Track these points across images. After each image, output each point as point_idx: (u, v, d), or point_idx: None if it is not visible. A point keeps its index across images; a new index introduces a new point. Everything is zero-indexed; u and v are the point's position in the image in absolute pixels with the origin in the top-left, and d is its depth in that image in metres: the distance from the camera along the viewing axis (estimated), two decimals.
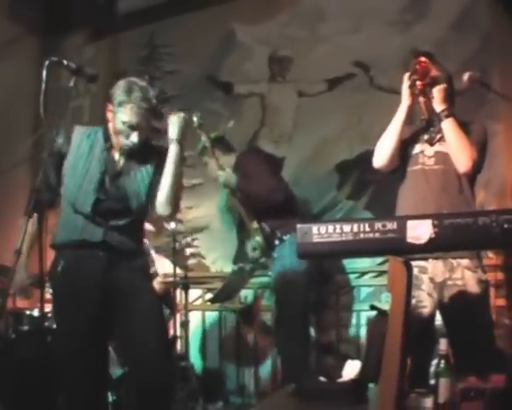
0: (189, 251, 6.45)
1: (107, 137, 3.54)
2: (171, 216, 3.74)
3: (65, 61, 3.33)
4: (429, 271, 3.56)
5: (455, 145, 3.56)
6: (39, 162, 3.17)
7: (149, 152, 3.59)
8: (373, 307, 3.61)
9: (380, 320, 3.45)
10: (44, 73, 3.26)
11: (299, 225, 2.55)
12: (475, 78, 3.55)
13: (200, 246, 6.44)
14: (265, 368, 5.98)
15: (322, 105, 6.10)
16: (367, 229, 2.49)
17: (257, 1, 6.61)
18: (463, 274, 3.52)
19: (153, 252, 5.78)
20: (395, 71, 5.48)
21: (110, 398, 3.93)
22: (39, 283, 3.23)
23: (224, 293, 5.62)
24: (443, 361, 2.70)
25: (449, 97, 3.64)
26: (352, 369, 3.34)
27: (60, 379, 3.50)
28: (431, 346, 3.60)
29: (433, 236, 2.42)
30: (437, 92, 3.60)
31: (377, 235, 2.47)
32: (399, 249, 2.50)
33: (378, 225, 2.48)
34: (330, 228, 2.51)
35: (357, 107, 5.90)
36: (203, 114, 6.52)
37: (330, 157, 5.73)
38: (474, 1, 5.61)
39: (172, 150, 3.50)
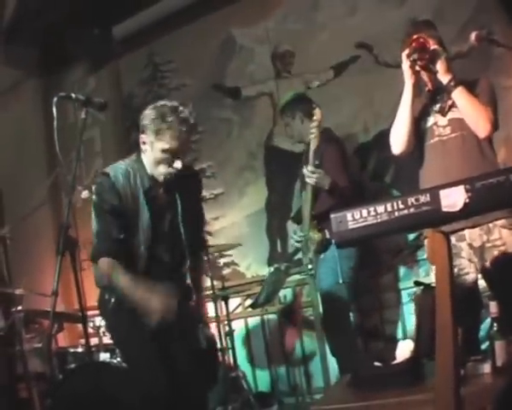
0: (222, 261, 6.43)
1: (145, 174, 3.47)
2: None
3: (73, 95, 3.33)
4: (467, 237, 3.53)
5: (470, 112, 3.53)
6: (60, 201, 3.21)
7: (186, 175, 3.54)
8: (417, 283, 3.57)
9: (426, 295, 3.42)
10: (54, 109, 3.27)
11: (332, 215, 2.51)
12: (482, 35, 3.51)
13: (232, 254, 6.40)
14: (315, 364, 5.94)
15: (331, 93, 6.06)
16: (400, 206, 2.45)
17: (250, 2, 6.57)
18: (501, 234, 3.48)
19: None
20: (398, 45, 5.42)
21: None
22: (82, 319, 3.24)
23: (264, 296, 5.59)
24: (495, 324, 2.67)
25: (451, 66, 3.60)
26: (404, 349, 3.30)
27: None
28: (478, 311, 3.57)
29: (468, 200, 2.38)
30: (440, 65, 3.56)
31: (412, 210, 2.44)
32: (436, 220, 2.46)
33: (411, 200, 2.44)
34: (364, 212, 2.48)
35: (367, 88, 5.86)
36: (214, 122, 6.58)
37: (348, 143, 5.67)
38: None
39: None
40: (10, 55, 7.46)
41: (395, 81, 5.42)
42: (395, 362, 3.15)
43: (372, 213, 2.47)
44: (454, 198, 2.39)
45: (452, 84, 3.54)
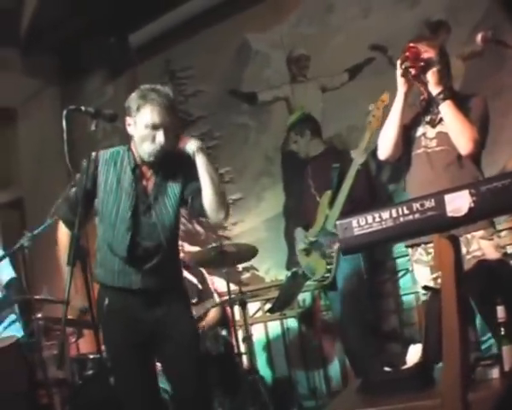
0: (240, 266, 6.44)
1: (133, 159, 3.51)
2: (226, 218, 3.63)
3: (83, 108, 3.36)
4: None
5: (454, 128, 3.49)
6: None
7: (176, 162, 3.54)
8: (426, 288, 3.56)
9: (434, 299, 3.40)
10: (64, 122, 3.29)
11: (338, 222, 2.53)
12: (488, 37, 3.47)
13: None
14: (334, 367, 5.96)
15: (347, 96, 6.06)
16: (405, 211, 2.45)
17: (264, 7, 6.59)
18: (480, 245, 3.45)
19: (204, 271, 5.81)
20: None
21: None
22: (93, 326, 3.28)
23: (282, 300, 5.61)
24: (502, 329, 2.66)
25: (444, 78, 3.56)
26: (415, 353, 3.29)
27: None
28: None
29: (473, 205, 2.37)
30: (431, 76, 3.52)
31: (417, 215, 2.44)
32: (441, 225, 2.46)
33: (416, 205, 2.44)
34: (369, 218, 2.48)
35: (382, 89, 5.84)
36: (231, 128, 6.60)
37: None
38: None
39: (200, 159, 3.47)
40: (30, 65, 7.55)
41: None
42: (404, 367, 3.15)
43: (377, 219, 2.48)
44: (459, 203, 2.39)
45: (441, 96, 3.51)
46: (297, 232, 5.37)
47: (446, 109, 3.51)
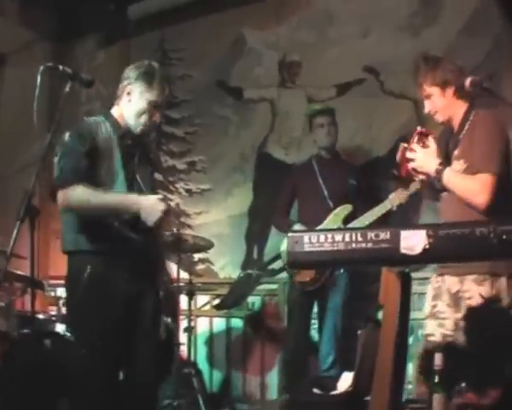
0: (197, 256, 6.41)
1: (117, 123, 3.51)
2: None
3: (60, 67, 3.33)
4: (446, 282, 3.49)
5: (461, 195, 3.41)
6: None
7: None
8: (369, 318, 3.55)
9: (373, 331, 3.39)
10: (39, 78, 3.27)
11: (289, 234, 2.51)
12: (476, 82, 3.44)
13: (208, 251, 6.36)
14: (272, 376, 5.95)
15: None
16: (359, 238, 2.43)
17: (266, 6, 6.56)
18: (470, 286, 3.43)
19: None
20: (405, 76, 5.42)
21: None
22: (31, 285, 3.24)
23: (231, 299, 5.60)
24: (437, 376, 2.65)
25: (431, 155, 3.49)
26: (347, 381, 3.28)
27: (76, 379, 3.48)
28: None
29: (428, 246, 2.36)
30: (417, 168, 3.52)
31: (370, 245, 2.42)
32: (392, 260, 2.44)
33: (371, 234, 2.42)
34: (322, 237, 2.46)
35: (368, 112, 5.87)
36: (212, 118, 6.56)
37: None
38: (484, 5, 5.53)
39: None
40: (27, 16, 7.46)
41: (396, 110, 5.46)
42: (334, 392, 3.13)
43: (329, 239, 2.46)
44: (414, 241, 2.38)
45: (435, 176, 3.46)
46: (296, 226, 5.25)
47: (447, 183, 3.44)
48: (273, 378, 5.92)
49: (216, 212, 6.57)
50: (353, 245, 2.43)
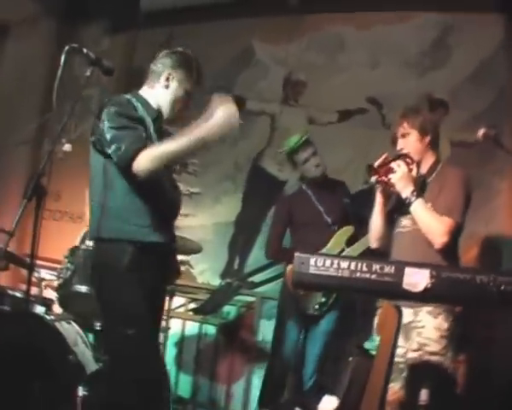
0: (179, 257, 6.39)
1: (149, 106, 3.45)
2: None
3: (85, 50, 3.33)
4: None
5: (425, 227, 3.60)
6: (41, 146, 3.18)
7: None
8: (359, 348, 3.60)
9: (364, 361, 3.44)
10: (63, 58, 3.26)
11: (297, 254, 2.55)
12: (490, 135, 3.54)
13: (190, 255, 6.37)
14: (239, 387, 5.97)
15: (329, 135, 6.08)
16: (364, 269, 2.49)
17: (279, 21, 6.60)
18: (424, 318, 3.52)
19: None
20: None
21: (81, 393, 3.88)
22: (29, 265, 3.22)
23: (209, 306, 5.60)
24: None
25: (410, 178, 3.66)
26: (328, 405, 3.31)
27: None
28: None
29: (429, 286, 2.42)
30: (395, 184, 3.66)
31: (374, 276, 2.47)
32: (394, 294, 2.50)
33: (376, 266, 2.47)
34: (328, 262, 2.51)
35: (365, 143, 5.89)
36: None
37: None
38: (492, 56, 5.63)
39: None
40: None
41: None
42: None
43: (335, 265, 2.50)
44: (417, 279, 2.43)
45: (408, 200, 3.63)
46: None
47: (416, 210, 3.62)
48: (239, 389, 5.94)
49: (202, 217, 6.57)
50: (358, 274, 2.48)
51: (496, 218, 5.27)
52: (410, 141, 3.78)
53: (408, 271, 2.45)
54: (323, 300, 4.89)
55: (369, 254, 4.27)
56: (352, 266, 2.49)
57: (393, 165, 3.67)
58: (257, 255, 6.21)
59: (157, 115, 3.45)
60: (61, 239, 5.58)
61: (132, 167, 3.13)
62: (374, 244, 3.96)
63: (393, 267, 2.46)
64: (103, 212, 3.28)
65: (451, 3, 5.79)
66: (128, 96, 3.43)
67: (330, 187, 5.33)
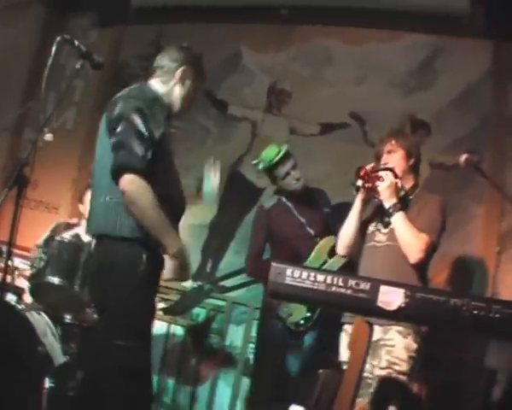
0: None
1: (163, 102, 3.40)
2: None
3: (76, 42, 3.33)
4: None
5: (404, 240, 3.66)
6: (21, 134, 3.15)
7: None
8: (330, 359, 3.63)
9: (334, 374, 3.46)
10: (54, 48, 3.25)
11: (274, 264, 2.56)
12: (472, 161, 3.60)
13: None
14: (204, 390, 5.96)
15: (310, 147, 6.10)
16: (340, 283, 2.50)
17: (269, 30, 6.63)
18: (394, 336, 3.57)
19: None
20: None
21: (48, 384, 3.87)
22: (7, 254, 3.20)
23: (179, 307, 5.58)
24: None
25: (396, 191, 3.73)
26: None
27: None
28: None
29: (403, 305, 2.44)
30: (381, 191, 3.72)
31: (349, 292, 2.49)
32: (368, 311, 2.52)
33: (352, 282, 2.50)
34: (304, 274, 2.53)
35: (346, 158, 5.90)
36: (193, 126, 6.55)
37: None
38: (478, 82, 5.71)
39: None
40: None
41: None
42: None
43: (311, 277, 2.52)
44: (392, 297, 2.45)
45: (391, 210, 3.69)
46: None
47: (397, 221, 3.69)
48: (204, 393, 5.93)
49: None
50: (333, 288, 2.50)
51: (470, 241, 5.33)
52: (395, 158, 3.86)
53: (383, 289, 2.47)
54: (308, 315, 4.83)
55: (350, 266, 4.27)
56: (328, 280, 2.50)
57: (382, 173, 3.71)
58: (230, 260, 6.23)
59: (169, 113, 3.43)
60: (36, 228, 5.54)
61: (121, 179, 3.05)
62: (342, 251, 4.02)
63: (369, 284, 2.48)
64: (117, 209, 3.16)
65: (441, 27, 5.84)
66: (153, 94, 3.36)
67: (310, 198, 5.21)
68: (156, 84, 3.44)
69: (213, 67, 6.74)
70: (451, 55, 5.88)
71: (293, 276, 2.52)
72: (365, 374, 3.43)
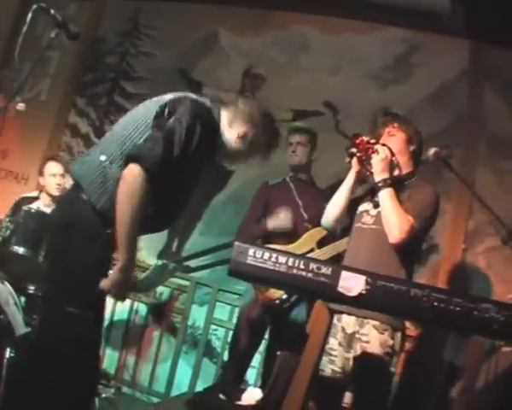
0: None
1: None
2: None
3: (52, 11, 3.28)
4: (342, 320, 3.58)
5: (387, 216, 3.59)
6: None
7: None
8: (289, 342, 3.64)
9: (291, 356, 3.46)
10: (29, 17, 3.20)
11: (236, 243, 2.55)
12: (440, 155, 3.60)
13: None
14: (164, 369, 5.96)
15: (282, 133, 6.05)
16: (301, 266, 2.49)
17: (248, 14, 6.63)
18: (370, 331, 3.54)
19: None
20: (362, 123, 5.57)
21: (8, 354, 3.84)
22: None
23: (142, 284, 5.55)
24: None
25: (388, 167, 3.67)
26: (252, 396, 3.32)
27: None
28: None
29: (364, 292, 2.43)
30: (374, 164, 3.66)
31: (310, 275, 2.48)
32: (328, 295, 2.51)
33: (313, 265, 2.48)
34: (266, 254, 2.51)
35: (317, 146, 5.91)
36: None
37: None
38: (454, 80, 5.76)
39: None
40: None
41: (344, 153, 5.57)
42: (238, 403, 3.18)
43: (273, 258, 2.51)
44: (352, 284, 2.45)
45: (381, 184, 3.62)
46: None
47: (384, 197, 3.61)
48: (164, 371, 5.94)
49: None
50: (294, 271, 2.49)
51: (437, 237, 5.38)
52: (396, 140, 3.77)
53: (344, 274, 2.46)
54: (284, 297, 4.75)
55: (338, 261, 4.24)
56: (290, 262, 2.49)
57: (378, 147, 3.66)
58: (195, 240, 6.24)
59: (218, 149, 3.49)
60: (5, 198, 5.51)
61: (131, 166, 2.93)
62: (326, 223, 3.95)
63: (330, 269, 2.48)
64: (105, 178, 3.05)
65: (421, 23, 5.88)
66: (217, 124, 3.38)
67: (313, 188, 5.29)
68: (224, 118, 3.40)
69: (189, 47, 6.78)
70: (429, 52, 5.92)
71: (255, 256, 2.50)
72: (335, 368, 3.47)
